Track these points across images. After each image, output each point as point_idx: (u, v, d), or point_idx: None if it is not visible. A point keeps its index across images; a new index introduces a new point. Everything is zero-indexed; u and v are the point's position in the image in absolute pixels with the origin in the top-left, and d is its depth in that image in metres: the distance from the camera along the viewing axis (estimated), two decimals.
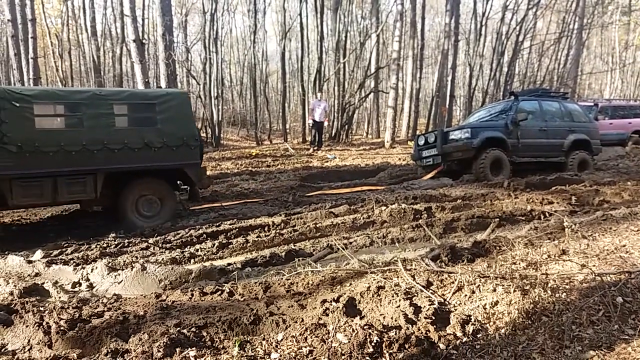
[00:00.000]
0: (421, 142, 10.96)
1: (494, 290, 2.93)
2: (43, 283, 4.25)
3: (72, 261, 5.05)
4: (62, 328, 2.85)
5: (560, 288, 2.92)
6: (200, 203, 8.41)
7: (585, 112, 12.01)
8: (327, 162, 14.95)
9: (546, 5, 24.54)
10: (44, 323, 2.96)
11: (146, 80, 13.51)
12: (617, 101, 18.74)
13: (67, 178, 6.43)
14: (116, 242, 5.83)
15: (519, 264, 3.51)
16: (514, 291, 2.84)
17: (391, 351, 2.40)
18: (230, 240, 5.73)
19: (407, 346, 2.43)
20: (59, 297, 3.94)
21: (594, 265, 3.33)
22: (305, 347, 2.49)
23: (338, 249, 4.95)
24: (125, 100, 7.11)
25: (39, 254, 5.29)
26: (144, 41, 17.64)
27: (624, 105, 17.46)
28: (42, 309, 3.28)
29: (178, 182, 7.77)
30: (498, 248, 4.11)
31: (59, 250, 5.53)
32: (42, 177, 6.28)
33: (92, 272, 4.46)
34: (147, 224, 6.91)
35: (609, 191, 7.37)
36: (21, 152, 6.13)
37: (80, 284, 4.34)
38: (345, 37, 22.29)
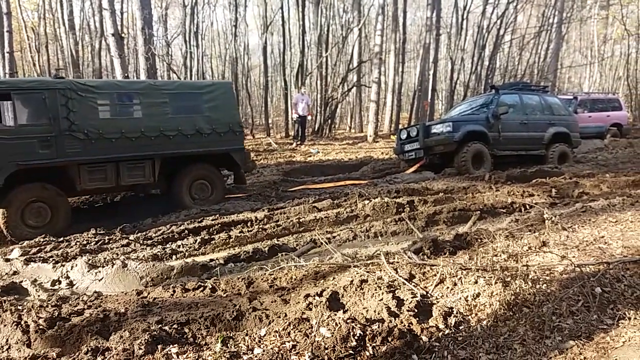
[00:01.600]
0: (403, 136, 10.99)
1: (476, 282, 2.95)
2: (21, 281, 4.18)
3: (51, 259, 4.97)
4: (41, 327, 2.81)
5: (541, 279, 2.96)
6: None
7: (565, 106, 12.17)
8: (310, 156, 14.92)
9: None
10: (23, 322, 2.91)
11: (125, 74, 13.32)
12: (596, 94, 19.03)
13: (128, 163, 7.05)
14: (96, 239, 5.75)
15: (500, 256, 3.54)
16: (495, 283, 2.87)
17: (374, 344, 2.41)
18: (212, 236, 5.69)
19: (390, 339, 2.44)
20: (38, 296, 3.88)
21: (573, 257, 3.37)
22: (289, 341, 2.49)
23: (321, 243, 4.95)
24: (176, 90, 7.71)
25: (16, 251, 5.20)
26: (123, 35, 17.37)
27: (603, 99, 17.74)
28: (20, 307, 3.23)
29: (223, 167, 8.37)
30: (479, 240, 4.14)
31: (38, 248, 5.43)
32: (106, 162, 6.89)
33: (71, 269, 4.40)
34: (200, 206, 7.42)
35: (588, 183, 7.48)
36: (87, 139, 6.73)
37: (59, 282, 4.28)
38: (327, 30, 22.23)
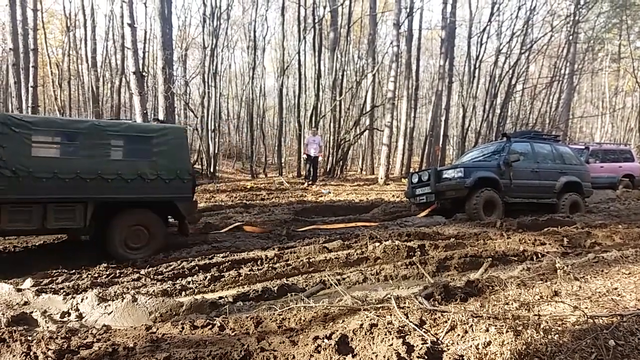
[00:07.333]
0: (415, 180, 11.04)
1: (487, 330, 2.92)
2: (32, 312, 4.19)
3: (62, 290, 4.99)
4: (49, 358, 2.81)
5: (553, 329, 2.93)
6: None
7: (577, 155, 12.19)
8: (321, 196, 14.98)
9: (538, 50, 25.20)
10: (32, 353, 2.92)
11: (144, 111, 13.65)
12: (608, 145, 19.05)
13: (57, 205, 6.40)
14: (107, 272, 5.78)
15: (512, 304, 3.51)
16: (507, 332, 2.84)
17: None
18: (222, 274, 5.69)
19: None
20: (47, 327, 3.88)
21: (586, 308, 3.34)
22: None
23: (331, 284, 4.93)
24: (122, 132, 7.09)
25: (28, 282, 5.23)
26: (144, 73, 17.88)
27: (615, 149, 17.74)
28: (30, 338, 3.23)
29: (168, 216, 7.64)
30: (491, 288, 4.11)
31: (50, 279, 5.46)
32: (33, 203, 6.24)
33: (82, 302, 4.40)
34: (135, 256, 6.83)
35: (600, 234, 7.42)
36: (15, 176, 6.14)
37: (69, 314, 4.28)
38: (342, 75, 22.71)
